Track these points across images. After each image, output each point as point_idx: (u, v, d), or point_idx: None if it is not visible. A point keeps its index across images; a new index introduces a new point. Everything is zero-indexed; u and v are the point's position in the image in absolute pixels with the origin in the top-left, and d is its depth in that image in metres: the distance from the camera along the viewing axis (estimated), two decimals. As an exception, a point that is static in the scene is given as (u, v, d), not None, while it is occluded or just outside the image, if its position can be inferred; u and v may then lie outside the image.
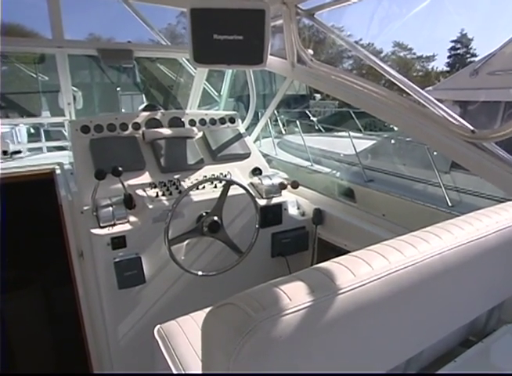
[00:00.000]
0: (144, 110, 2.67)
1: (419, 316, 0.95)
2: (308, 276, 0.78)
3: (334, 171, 5.58)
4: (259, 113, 3.18)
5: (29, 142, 3.34)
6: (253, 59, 1.85)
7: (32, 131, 4.19)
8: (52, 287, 2.71)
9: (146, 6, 2.68)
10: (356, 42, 2.46)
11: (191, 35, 1.73)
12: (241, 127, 2.67)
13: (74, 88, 2.71)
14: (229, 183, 1.96)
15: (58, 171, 2.22)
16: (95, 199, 1.83)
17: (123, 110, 9.09)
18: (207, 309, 0.75)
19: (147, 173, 2.11)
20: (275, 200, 2.25)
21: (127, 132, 2.27)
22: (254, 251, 2.05)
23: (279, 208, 2.26)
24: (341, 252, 1.17)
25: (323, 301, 0.72)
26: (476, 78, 5.16)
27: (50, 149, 3.07)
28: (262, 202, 2.19)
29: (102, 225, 1.81)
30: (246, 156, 2.47)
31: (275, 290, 0.73)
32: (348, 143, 5.66)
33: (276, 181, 2.30)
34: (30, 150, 2.90)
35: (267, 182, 2.27)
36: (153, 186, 2.04)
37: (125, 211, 1.88)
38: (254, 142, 2.81)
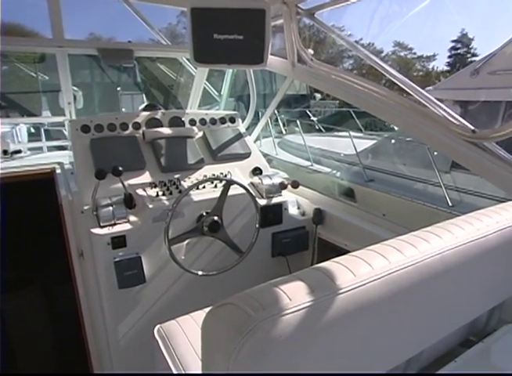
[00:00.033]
0: (144, 109, 2.67)
1: (419, 316, 0.95)
2: (308, 276, 0.78)
3: (335, 171, 5.58)
4: (259, 113, 3.17)
5: (29, 141, 3.35)
6: (253, 59, 1.85)
7: (32, 130, 4.20)
8: (53, 286, 2.71)
9: (147, 6, 2.67)
10: (356, 42, 2.46)
11: (191, 35, 1.73)
12: (241, 126, 2.67)
13: (75, 88, 2.71)
14: (229, 183, 1.96)
15: (58, 171, 2.22)
16: (95, 198, 1.83)
17: (123, 110, 9.08)
18: (207, 309, 0.75)
19: (147, 173, 2.11)
20: (275, 200, 2.24)
21: (127, 132, 2.27)
22: (255, 251, 2.05)
23: (280, 208, 2.26)
24: (341, 252, 1.17)
25: (323, 301, 0.72)
26: (476, 78, 5.15)
27: (50, 148, 3.08)
28: (262, 202, 2.19)
29: (102, 224, 1.81)
30: (247, 155, 2.46)
31: (275, 290, 0.73)
32: (349, 143, 5.65)
33: (277, 181, 2.30)
34: (30, 149, 2.90)
35: (267, 181, 2.27)
36: (153, 185, 2.03)
37: (125, 210, 1.88)
38: (255, 141, 2.81)
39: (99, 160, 2.03)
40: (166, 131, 2.31)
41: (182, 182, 2.10)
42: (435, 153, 4.21)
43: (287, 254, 2.28)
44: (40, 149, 3.00)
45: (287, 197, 2.33)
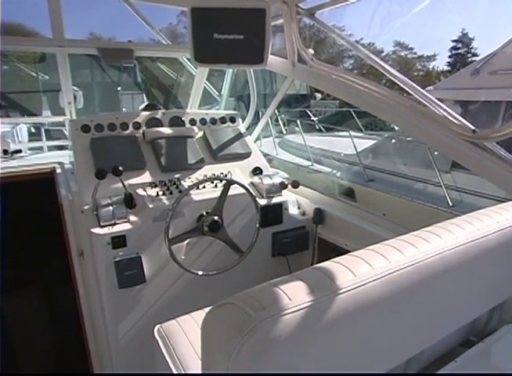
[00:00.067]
0: (145, 109, 2.67)
1: (419, 316, 0.95)
2: (308, 276, 0.78)
3: (335, 171, 5.57)
4: (260, 113, 3.17)
5: (30, 141, 3.35)
6: (253, 59, 1.85)
7: (33, 130, 4.20)
8: (53, 286, 2.71)
9: (147, 5, 2.67)
10: (357, 42, 2.46)
11: (192, 34, 1.73)
12: (242, 126, 2.67)
13: (75, 88, 2.71)
14: (230, 183, 1.96)
15: (58, 171, 2.22)
16: (95, 198, 1.83)
17: (123, 110, 9.08)
18: (208, 309, 0.75)
19: (147, 172, 2.11)
20: (275, 200, 2.24)
21: (127, 132, 2.27)
22: (255, 251, 2.05)
23: (280, 208, 2.26)
24: (342, 252, 1.17)
25: (323, 301, 0.72)
26: (477, 78, 5.16)
27: (51, 148, 3.08)
28: (263, 202, 2.19)
29: (102, 224, 1.81)
30: (247, 155, 2.46)
31: (275, 289, 0.73)
32: (349, 143, 5.65)
33: (277, 180, 2.29)
34: (30, 149, 2.90)
35: (267, 181, 2.27)
36: (153, 185, 2.03)
37: (125, 210, 1.88)
38: (255, 141, 2.81)
39: (99, 159, 2.03)
40: (166, 130, 2.31)
41: (182, 182, 2.10)
42: (435, 152, 4.20)
43: (287, 254, 2.28)
44: (40, 148, 3.00)
45: (287, 196, 2.33)
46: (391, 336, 0.91)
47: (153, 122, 2.37)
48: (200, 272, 1.90)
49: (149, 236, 1.88)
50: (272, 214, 2.23)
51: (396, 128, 5.61)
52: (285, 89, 2.66)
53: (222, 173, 2.23)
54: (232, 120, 2.64)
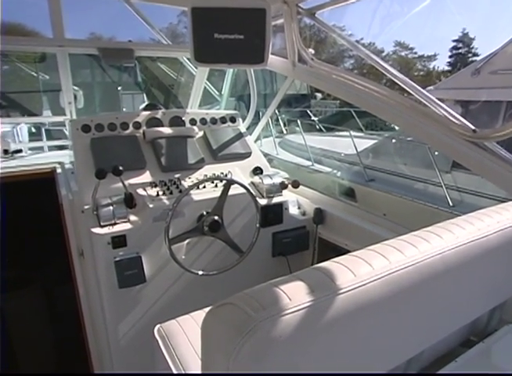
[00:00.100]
0: (145, 109, 2.67)
1: (419, 316, 0.94)
2: (308, 276, 0.78)
3: (335, 171, 5.57)
4: (260, 113, 3.17)
5: (30, 141, 3.35)
6: (254, 59, 1.85)
7: (33, 130, 4.20)
8: (53, 286, 2.71)
9: (147, 5, 2.67)
10: (357, 41, 2.46)
11: (192, 34, 1.73)
12: (242, 126, 2.67)
13: (75, 88, 2.71)
14: (230, 183, 1.96)
15: (59, 171, 2.22)
16: (95, 198, 1.83)
17: (124, 110, 9.10)
18: (208, 309, 0.75)
19: (148, 172, 2.11)
20: (275, 200, 2.24)
21: (127, 131, 2.27)
22: (255, 251, 2.05)
23: (280, 208, 2.25)
24: (342, 252, 1.16)
25: (323, 301, 0.72)
26: (477, 78, 5.15)
27: (51, 148, 3.07)
28: (263, 201, 2.19)
29: (102, 224, 1.81)
30: (247, 155, 2.46)
31: (275, 290, 0.73)
32: (349, 143, 5.65)
33: (277, 180, 2.29)
34: (31, 149, 2.90)
35: (268, 181, 2.27)
36: (153, 185, 2.03)
37: (126, 210, 1.88)
38: (255, 141, 2.81)
39: (99, 159, 2.03)
40: (166, 130, 2.31)
41: (183, 182, 2.10)
42: (436, 152, 4.20)
43: (288, 254, 2.28)
44: (41, 148, 3.00)
45: (288, 196, 2.33)
46: (392, 336, 0.91)
47: (154, 122, 2.37)
48: (200, 272, 1.90)
49: (150, 236, 1.88)
50: (273, 214, 2.23)
51: (396, 127, 5.61)
52: (285, 89, 2.66)
53: (222, 173, 2.23)
54: (233, 120, 2.64)
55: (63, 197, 1.97)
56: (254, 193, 2.02)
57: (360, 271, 0.80)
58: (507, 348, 1.23)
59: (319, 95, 15.14)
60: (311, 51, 2.22)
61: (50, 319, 2.68)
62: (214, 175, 2.19)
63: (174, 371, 1.32)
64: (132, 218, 1.88)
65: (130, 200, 1.89)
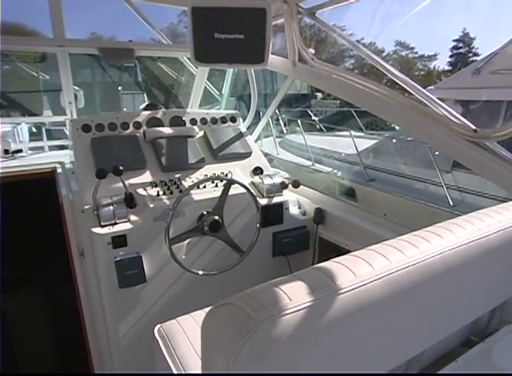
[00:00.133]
0: (145, 109, 2.68)
1: (420, 316, 0.94)
2: (308, 276, 0.78)
3: (336, 171, 5.57)
4: (260, 113, 3.17)
5: (31, 141, 3.35)
6: (254, 58, 1.85)
7: (34, 130, 4.20)
8: (53, 286, 2.71)
9: (148, 5, 2.68)
10: (358, 41, 2.46)
11: (192, 34, 1.73)
12: (242, 126, 2.67)
13: (76, 87, 2.71)
14: (230, 182, 1.96)
15: (59, 170, 2.22)
16: (95, 198, 1.83)
17: (124, 109, 9.10)
18: (208, 309, 0.75)
19: (148, 172, 2.11)
20: (276, 200, 2.24)
21: (128, 131, 2.27)
22: (255, 251, 2.04)
23: (280, 208, 2.25)
24: (342, 252, 1.16)
25: (323, 301, 0.72)
26: (478, 77, 5.15)
27: (52, 148, 3.07)
28: (263, 201, 2.19)
29: (102, 224, 1.81)
30: (248, 155, 2.46)
31: (275, 290, 0.73)
32: (350, 143, 5.65)
33: (277, 180, 2.29)
34: (31, 149, 2.90)
35: (268, 181, 2.26)
36: (153, 185, 2.03)
37: (126, 210, 1.88)
38: (256, 141, 2.81)
39: (99, 159, 2.03)
40: (167, 130, 2.31)
41: (183, 182, 2.10)
42: (436, 152, 4.20)
43: (288, 254, 2.28)
44: (41, 148, 3.00)
45: (288, 196, 2.32)
46: (392, 336, 0.90)
47: (154, 122, 2.37)
48: (201, 272, 1.90)
49: (150, 236, 1.88)
50: (273, 214, 2.22)
51: (397, 127, 5.61)
52: (285, 89, 2.66)
53: (223, 173, 2.23)
54: (233, 119, 2.63)
55: (64, 197, 1.97)
56: (254, 192, 2.02)
57: (360, 271, 0.80)
58: (508, 349, 1.23)
59: (319, 94, 15.14)
60: (312, 51, 2.22)
61: (50, 319, 2.68)
62: (215, 174, 2.19)
63: (175, 371, 1.31)
64: (133, 218, 1.88)
65: (130, 200, 1.89)
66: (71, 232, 1.95)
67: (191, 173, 2.20)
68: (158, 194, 1.97)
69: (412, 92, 1.75)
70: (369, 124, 9.28)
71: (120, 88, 9.17)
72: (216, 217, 1.94)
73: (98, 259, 1.82)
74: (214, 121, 2.57)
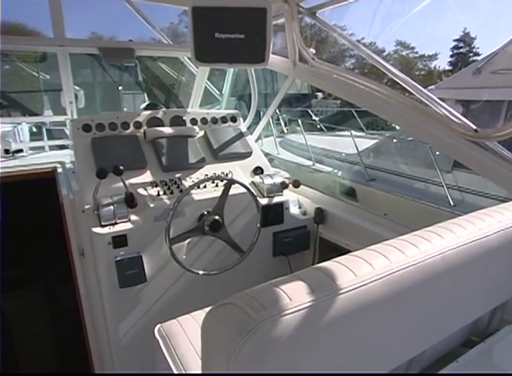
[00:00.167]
0: (145, 108, 2.67)
1: (420, 316, 0.94)
2: (308, 276, 0.77)
3: (336, 171, 5.57)
4: (261, 112, 3.17)
5: (31, 140, 3.34)
6: (254, 58, 1.85)
7: (34, 129, 4.20)
8: (54, 285, 2.71)
9: (148, 5, 2.67)
10: (358, 41, 2.45)
11: (193, 34, 1.74)
12: (243, 126, 2.67)
13: (76, 87, 2.71)
14: (231, 182, 1.96)
15: (59, 170, 2.22)
16: (96, 198, 1.83)
17: (125, 109, 9.10)
18: (208, 309, 0.75)
19: (148, 172, 2.11)
20: (276, 200, 2.24)
21: (128, 131, 2.27)
22: (256, 251, 2.04)
23: (281, 207, 2.25)
24: (343, 252, 1.16)
25: (324, 301, 0.72)
26: (479, 77, 5.15)
27: (52, 147, 3.07)
28: (264, 201, 2.19)
29: (103, 223, 1.81)
30: (248, 155, 2.46)
31: (276, 290, 0.73)
32: (350, 142, 5.64)
33: (278, 180, 2.29)
34: (32, 148, 2.90)
35: (268, 181, 2.26)
36: (154, 184, 2.03)
37: (126, 209, 1.88)
38: (256, 141, 2.81)
39: (100, 159, 2.03)
40: (167, 130, 2.31)
41: (183, 182, 2.10)
42: (437, 152, 4.20)
43: (288, 254, 2.27)
44: (42, 148, 3.00)
45: (288, 196, 2.32)
46: (393, 336, 0.90)
47: (154, 122, 2.37)
48: (201, 272, 1.90)
49: (150, 236, 1.88)
50: (273, 213, 2.22)
51: (397, 127, 5.60)
52: (286, 89, 2.66)
53: (223, 172, 2.23)
54: (234, 119, 2.63)
55: (64, 197, 1.97)
56: (254, 192, 2.02)
57: (361, 271, 0.80)
58: (508, 349, 1.23)
59: (319, 94, 15.15)
60: (312, 50, 2.22)
61: (51, 319, 2.68)
62: (215, 174, 2.19)
63: (175, 371, 1.31)
64: (133, 217, 1.88)
65: (131, 200, 1.89)
66: (71, 232, 1.95)
67: (191, 173, 2.20)
68: (158, 194, 1.97)
69: (412, 91, 1.75)
70: (369, 124, 9.29)
71: (120, 87, 9.17)
72: (216, 217, 1.94)
73: (98, 259, 1.82)
74: (214, 120, 2.57)
